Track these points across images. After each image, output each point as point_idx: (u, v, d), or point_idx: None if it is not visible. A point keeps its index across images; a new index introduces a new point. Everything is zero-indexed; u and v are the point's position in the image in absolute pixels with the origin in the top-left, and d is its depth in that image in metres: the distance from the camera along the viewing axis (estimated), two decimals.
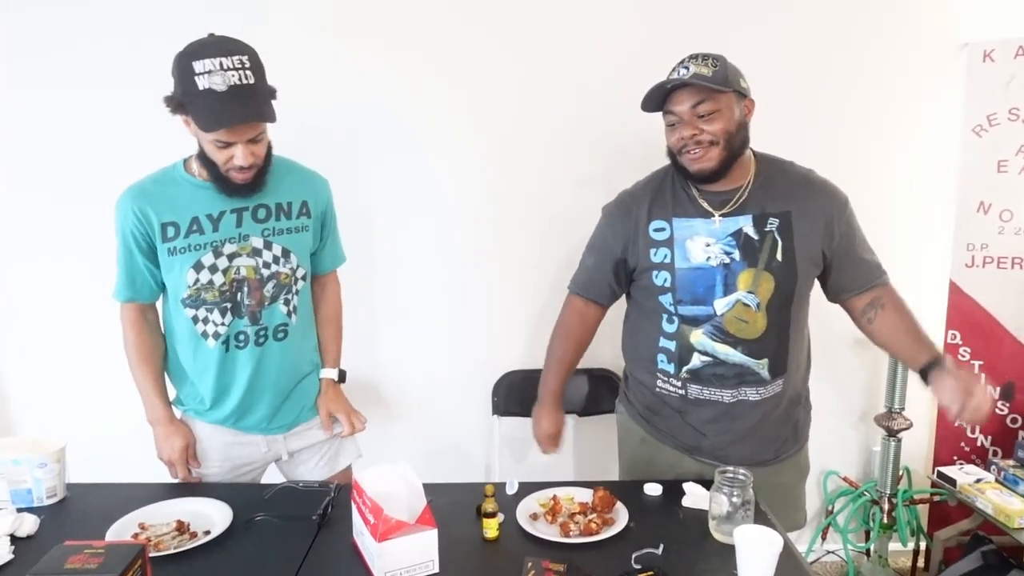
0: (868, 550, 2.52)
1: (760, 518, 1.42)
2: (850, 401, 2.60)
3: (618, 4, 2.28)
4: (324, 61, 2.26)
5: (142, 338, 1.69)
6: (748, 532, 1.25)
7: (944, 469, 2.23)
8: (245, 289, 1.62)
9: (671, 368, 1.66)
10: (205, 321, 1.63)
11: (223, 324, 1.63)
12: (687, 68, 1.51)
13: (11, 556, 1.34)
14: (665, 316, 1.65)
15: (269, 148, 1.58)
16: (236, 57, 1.43)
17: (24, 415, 2.44)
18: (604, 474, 2.53)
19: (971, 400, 1.43)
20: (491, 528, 1.40)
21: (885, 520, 2.41)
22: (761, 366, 1.60)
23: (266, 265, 1.64)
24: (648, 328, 1.70)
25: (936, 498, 2.43)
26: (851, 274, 1.64)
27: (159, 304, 1.72)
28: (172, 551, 1.35)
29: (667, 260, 1.61)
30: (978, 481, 2.12)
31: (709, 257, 1.58)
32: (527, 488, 1.59)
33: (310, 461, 1.81)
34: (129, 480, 1.71)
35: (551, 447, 1.80)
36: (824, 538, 2.61)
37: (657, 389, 1.71)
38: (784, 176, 1.62)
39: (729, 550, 1.28)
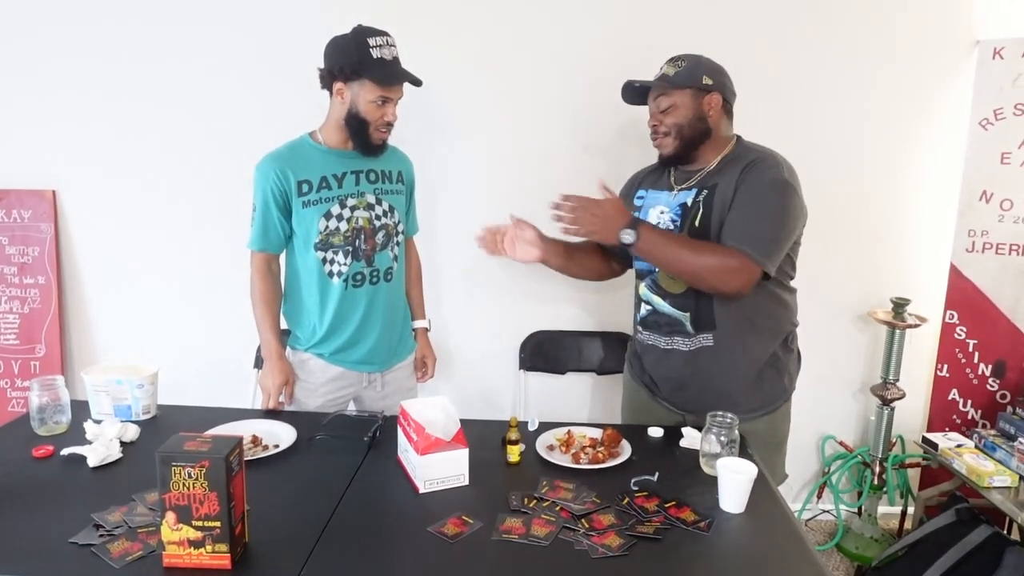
0: (859, 508, 2.73)
1: (744, 455, 1.64)
2: (852, 373, 2.80)
3: None
4: None
5: (267, 285, 2.01)
6: (728, 462, 1.48)
7: (930, 435, 2.42)
8: (362, 236, 1.97)
9: (637, 316, 1.97)
10: (332, 262, 1.96)
11: (345, 264, 1.96)
12: (661, 69, 1.81)
13: (120, 454, 1.64)
14: (634, 271, 1.97)
15: None
16: (389, 37, 1.86)
17: (120, 348, 2.73)
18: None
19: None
20: (514, 453, 1.65)
21: (875, 482, 2.62)
22: (685, 318, 1.82)
23: (377, 217, 1.99)
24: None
25: (924, 463, 2.62)
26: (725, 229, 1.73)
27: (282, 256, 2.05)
28: (248, 459, 1.62)
29: None
30: (959, 447, 2.31)
31: (659, 222, 1.83)
32: (546, 427, 1.83)
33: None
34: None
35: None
36: (820, 497, 2.82)
37: (635, 335, 2.01)
38: (739, 158, 1.77)
39: (715, 480, 1.49)
